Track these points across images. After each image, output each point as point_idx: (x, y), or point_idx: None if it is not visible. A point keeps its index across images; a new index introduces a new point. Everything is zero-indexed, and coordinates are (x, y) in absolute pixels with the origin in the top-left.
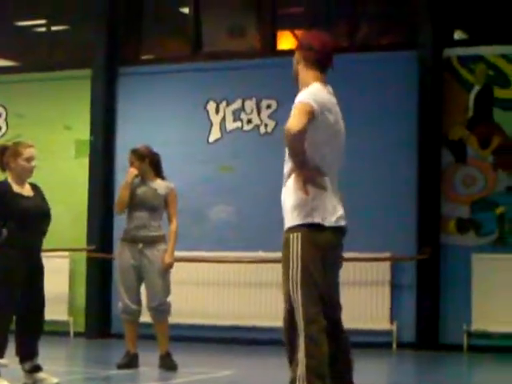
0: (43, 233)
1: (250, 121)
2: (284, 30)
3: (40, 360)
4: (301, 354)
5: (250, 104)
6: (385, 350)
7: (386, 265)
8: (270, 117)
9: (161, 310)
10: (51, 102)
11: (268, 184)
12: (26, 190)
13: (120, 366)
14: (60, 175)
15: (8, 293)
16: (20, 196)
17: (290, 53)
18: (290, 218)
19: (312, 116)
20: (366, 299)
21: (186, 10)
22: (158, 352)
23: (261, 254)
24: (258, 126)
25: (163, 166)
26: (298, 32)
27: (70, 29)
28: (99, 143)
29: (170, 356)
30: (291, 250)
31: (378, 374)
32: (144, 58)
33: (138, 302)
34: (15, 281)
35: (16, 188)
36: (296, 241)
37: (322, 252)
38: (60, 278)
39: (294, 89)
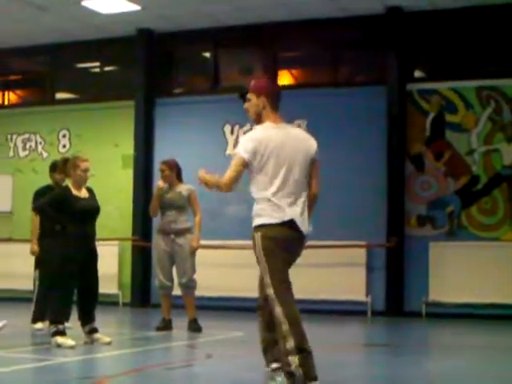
0: (94, 225)
1: None
2: (283, 70)
3: (96, 324)
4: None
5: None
6: (362, 317)
7: (362, 251)
8: None
9: (189, 285)
10: (103, 126)
11: None
12: (83, 193)
13: (158, 329)
14: (111, 182)
15: (69, 272)
16: (78, 198)
17: (287, 87)
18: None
19: (245, 164)
20: (347, 277)
21: (207, 54)
22: (187, 318)
23: None
24: None
25: (189, 175)
26: (295, 71)
27: (118, 69)
28: (140, 157)
29: (196, 321)
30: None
31: (357, 335)
32: (175, 91)
33: (171, 280)
34: (74, 263)
35: (74, 192)
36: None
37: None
38: (111, 260)
39: (292, 115)
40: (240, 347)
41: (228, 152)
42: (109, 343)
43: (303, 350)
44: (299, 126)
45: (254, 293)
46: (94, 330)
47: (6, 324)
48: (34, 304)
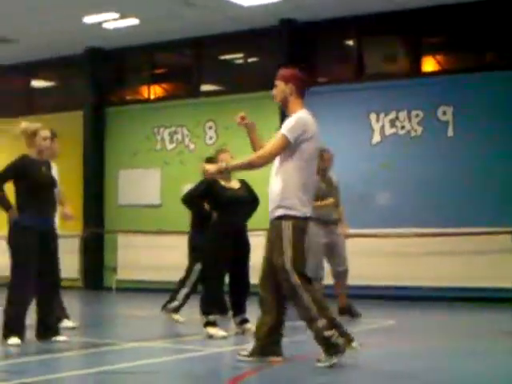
0: (247, 215)
1: (403, 127)
2: (427, 55)
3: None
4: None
5: (402, 114)
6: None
7: (508, 237)
8: (418, 124)
9: (346, 273)
10: (250, 117)
11: (416, 175)
12: (232, 184)
13: None
14: (261, 172)
15: (222, 263)
16: (225, 188)
17: (431, 74)
18: None
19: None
20: (493, 264)
21: (350, 42)
22: (339, 305)
23: (413, 230)
24: (409, 131)
25: (337, 164)
26: (439, 57)
27: (262, 60)
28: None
29: (351, 307)
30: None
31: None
32: (318, 80)
33: (323, 270)
34: (227, 253)
35: (223, 183)
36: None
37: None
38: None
39: (437, 101)
40: (389, 336)
41: (374, 141)
42: None
43: (336, 325)
44: (444, 113)
45: (404, 281)
46: (245, 321)
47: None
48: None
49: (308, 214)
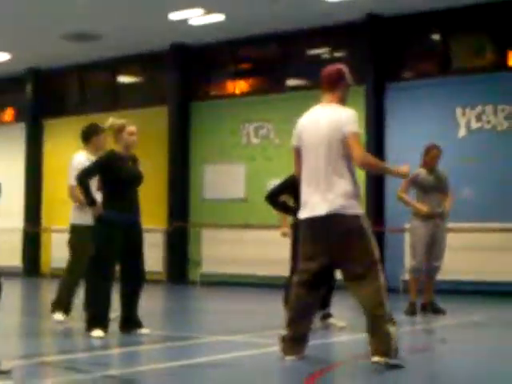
0: None
1: (489, 121)
2: None
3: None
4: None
5: (488, 108)
6: None
7: None
8: (505, 118)
9: (439, 268)
10: None
11: (502, 171)
12: None
13: (406, 313)
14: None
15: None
16: None
17: None
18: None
19: None
20: None
21: (436, 37)
22: (422, 301)
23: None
24: (495, 126)
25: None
26: None
27: (348, 55)
28: (372, 142)
29: (435, 303)
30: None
31: None
32: (404, 75)
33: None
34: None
35: None
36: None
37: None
38: None
39: None
40: (476, 332)
41: (461, 134)
42: (343, 328)
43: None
44: None
45: (487, 276)
46: (328, 316)
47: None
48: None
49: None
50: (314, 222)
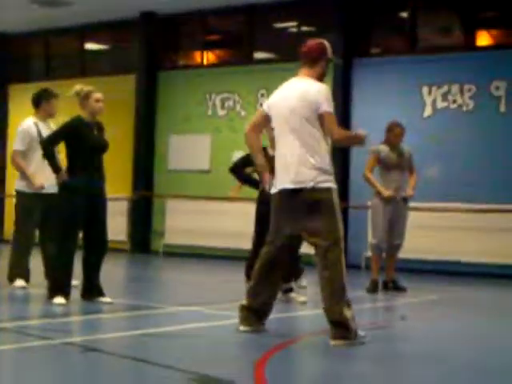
0: None
1: (455, 101)
2: (482, 30)
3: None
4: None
5: (455, 88)
6: None
7: None
8: (470, 98)
9: (400, 246)
10: None
11: (468, 149)
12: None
13: (368, 291)
14: None
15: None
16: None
17: (486, 48)
18: None
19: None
20: None
21: (404, 15)
22: (384, 278)
23: (462, 205)
24: (461, 106)
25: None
26: (494, 31)
27: (316, 29)
28: (339, 119)
29: (397, 281)
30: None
31: None
32: (372, 51)
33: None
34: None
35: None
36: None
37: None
38: None
39: (490, 76)
40: (435, 310)
41: (426, 114)
42: (304, 302)
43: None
44: (497, 88)
45: (449, 255)
46: (290, 290)
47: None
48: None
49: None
50: (285, 193)
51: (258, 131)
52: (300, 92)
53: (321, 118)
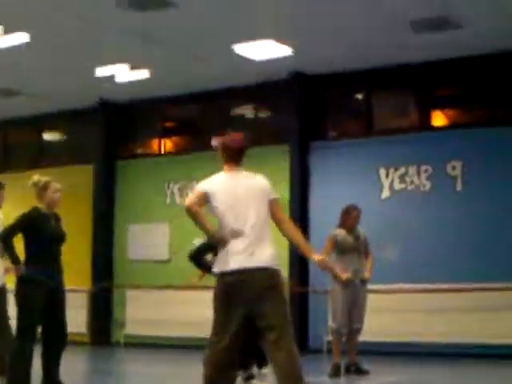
0: None
1: (412, 182)
2: (437, 110)
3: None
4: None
5: (412, 169)
6: None
7: None
8: (427, 179)
9: (360, 330)
10: (259, 170)
11: (426, 229)
12: None
13: (331, 375)
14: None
15: None
16: None
17: (441, 129)
18: None
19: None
20: None
21: (360, 96)
22: (347, 361)
23: (424, 286)
24: (418, 186)
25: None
26: (449, 111)
27: (272, 114)
28: (296, 202)
29: (359, 364)
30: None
31: None
32: (330, 134)
33: (347, 326)
34: None
35: None
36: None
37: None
38: None
39: (446, 156)
40: None
41: (383, 196)
42: None
43: None
44: (454, 168)
45: (411, 337)
46: (251, 377)
47: None
48: None
49: None
50: (237, 275)
51: (199, 206)
52: (254, 185)
53: (274, 205)
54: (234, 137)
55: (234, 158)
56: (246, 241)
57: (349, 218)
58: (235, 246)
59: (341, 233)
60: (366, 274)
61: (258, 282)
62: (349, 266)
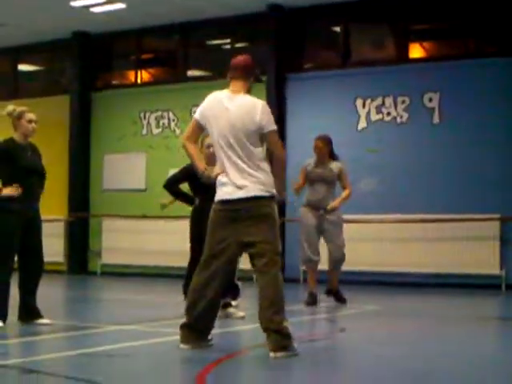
0: None
1: (389, 113)
2: (414, 43)
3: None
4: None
5: (388, 100)
6: (495, 291)
7: (496, 223)
8: (404, 110)
9: (342, 260)
10: None
11: (402, 160)
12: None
13: (307, 304)
14: None
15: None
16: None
17: (418, 61)
18: None
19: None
20: (480, 251)
21: (337, 29)
22: (330, 289)
23: (398, 216)
24: (395, 118)
25: None
26: (426, 44)
27: (249, 46)
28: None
29: (340, 293)
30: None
31: (492, 309)
32: (306, 66)
33: (318, 254)
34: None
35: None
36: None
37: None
38: None
39: (423, 87)
40: (374, 321)
41: (360, 126)
42: (242, 318)
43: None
44: (430, 100)
45: (389, 267)
46: (228, 305)
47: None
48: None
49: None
50: (228, 205)
51: (194, 141)
52: (246, 109)
53: (268, 136)
54: (240, 56)
55: (233, 75)
56: (235, 171)
57: (313, 148)
58: (226, 177)
59: (310, 164)
60: (332, 204)
61: (247, 212)
62: (314, 195)
